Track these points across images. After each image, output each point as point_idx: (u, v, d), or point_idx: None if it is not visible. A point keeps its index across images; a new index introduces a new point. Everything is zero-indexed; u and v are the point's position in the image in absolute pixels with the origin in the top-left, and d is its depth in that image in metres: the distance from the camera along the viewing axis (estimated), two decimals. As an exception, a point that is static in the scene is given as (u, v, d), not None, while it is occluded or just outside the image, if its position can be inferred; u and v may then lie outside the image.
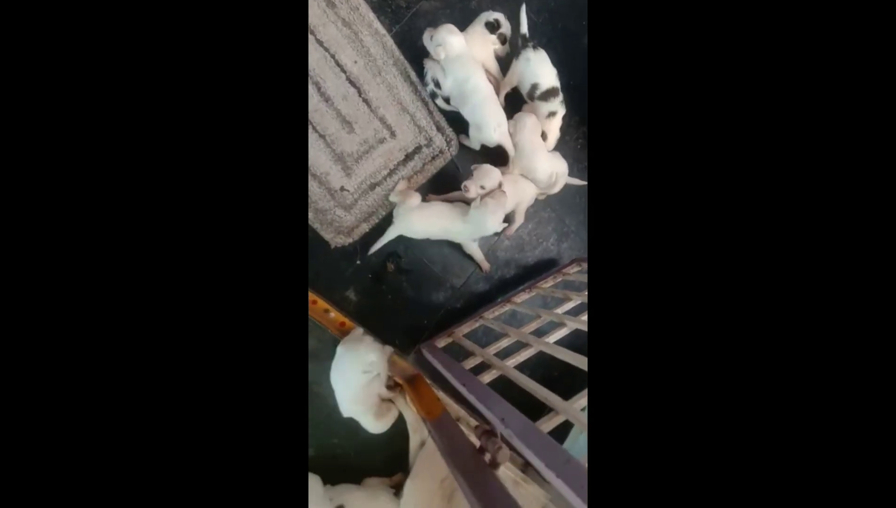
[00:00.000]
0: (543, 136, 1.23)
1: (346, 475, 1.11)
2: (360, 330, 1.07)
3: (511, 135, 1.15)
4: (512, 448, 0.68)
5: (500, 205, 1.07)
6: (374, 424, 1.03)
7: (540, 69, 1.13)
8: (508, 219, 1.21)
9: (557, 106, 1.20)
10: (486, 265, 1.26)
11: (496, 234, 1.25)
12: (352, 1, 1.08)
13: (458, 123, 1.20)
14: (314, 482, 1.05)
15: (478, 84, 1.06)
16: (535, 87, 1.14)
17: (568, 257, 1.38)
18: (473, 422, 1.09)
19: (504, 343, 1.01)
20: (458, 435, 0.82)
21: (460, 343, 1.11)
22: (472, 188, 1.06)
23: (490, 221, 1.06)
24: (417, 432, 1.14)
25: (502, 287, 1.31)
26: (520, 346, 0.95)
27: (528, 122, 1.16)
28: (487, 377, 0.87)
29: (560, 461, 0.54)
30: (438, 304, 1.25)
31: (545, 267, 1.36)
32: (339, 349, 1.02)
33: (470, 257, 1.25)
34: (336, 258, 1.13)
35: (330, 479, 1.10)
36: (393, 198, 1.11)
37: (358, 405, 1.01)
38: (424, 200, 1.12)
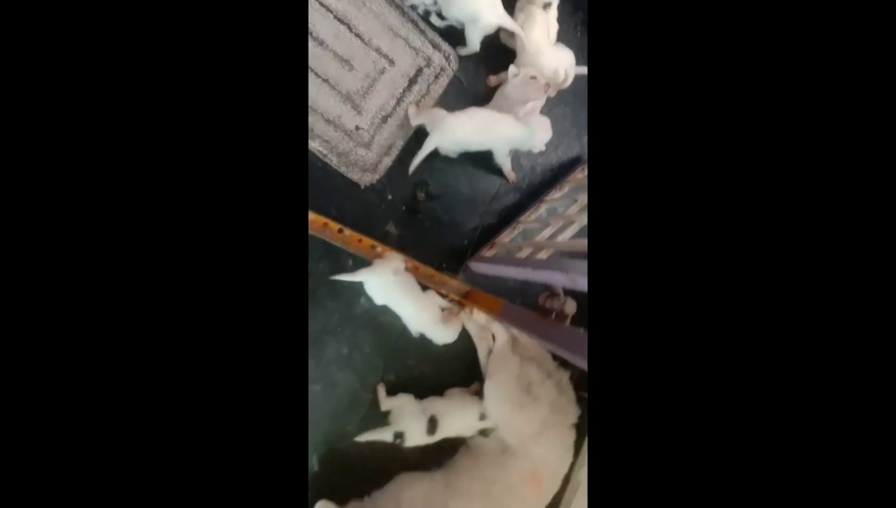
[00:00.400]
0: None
1: (429, 392, 1.19)
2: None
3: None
4: (578, 297, 0.72)
5: (549, 125, 1.10)
6: (444, 332, 1.09)
7: None
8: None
9: None
10: (512, 176, 1.27)
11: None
12: (319, -64, 1.06)
13: (452, 38, 1.18)
14: (408, 399, 1.14)
15: None
16: None
17: (591, 149, 1.36)
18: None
19: (548, 232, 1.03)
20: (525, 313, 0.87)
21: (504, 247, 1.14)
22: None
23: (540, 136, 1.08)
24: (483, 340, 1.20)
25: (532, 194, 1.32)
26: (565, 227, 0.97)
27: (539, 17, 1.14)
28: (541, 255, 0.90)
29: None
30: (474, 223, 1.28)
31: (571, 165, 1.34)
32: (368, 281, 1.07)
33: (495, 172, 1.26)
34: (369, 197, 1.17)
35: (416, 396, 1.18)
36: (416, 121, 1.12)
37: (423, 314, 1.07)
38: None
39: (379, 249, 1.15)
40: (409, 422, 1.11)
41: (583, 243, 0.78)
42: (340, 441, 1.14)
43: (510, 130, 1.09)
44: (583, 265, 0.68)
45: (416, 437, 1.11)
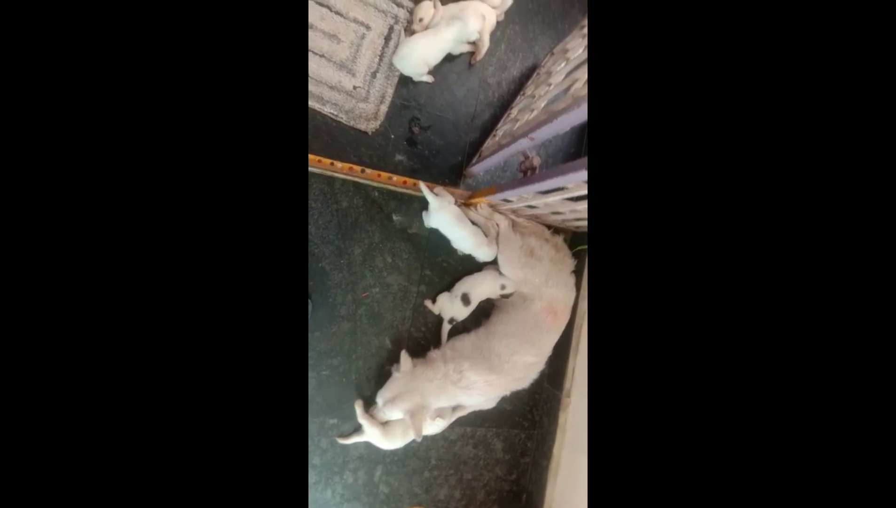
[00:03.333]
0: None
1: (457, 275, 1.56)
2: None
3: None
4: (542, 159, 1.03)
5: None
6: (487, 252, 1.43)
7: None
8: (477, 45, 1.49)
9: None
10: (479, 56, 1.54)
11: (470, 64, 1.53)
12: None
13: (408, -7, 1.45)
14: (444, 295, 1.50)
15: None
16: None
17: (544, 53, 1.62)
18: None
19: (516, 125, 1.33)
20: (512, 181, 1.19)
21: (487, 150, 1.45)
22: None
23: (471, 23, 1.37)
24: (490, 228, 1.53)
25: (503, 106, 1.61)
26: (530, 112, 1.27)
27: None
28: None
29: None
30: (462, 142, 1.59)
31: (530, 72, 1.61)
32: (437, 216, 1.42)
33: (471, 96, 1.56)
34: (377, 140, 1.49)
35: (449, 287, 1.55)
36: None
37: (474, 239, 1.41)
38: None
39: (395, 178, 1.49)
40: (452, 309, 1.49)
41: (537, 116, 1.09)
42: (402, 324, 1.53)
43: (448, 32, 1.40)
44: (538, 130, 0.99)
45: (461, 314, 1.50)
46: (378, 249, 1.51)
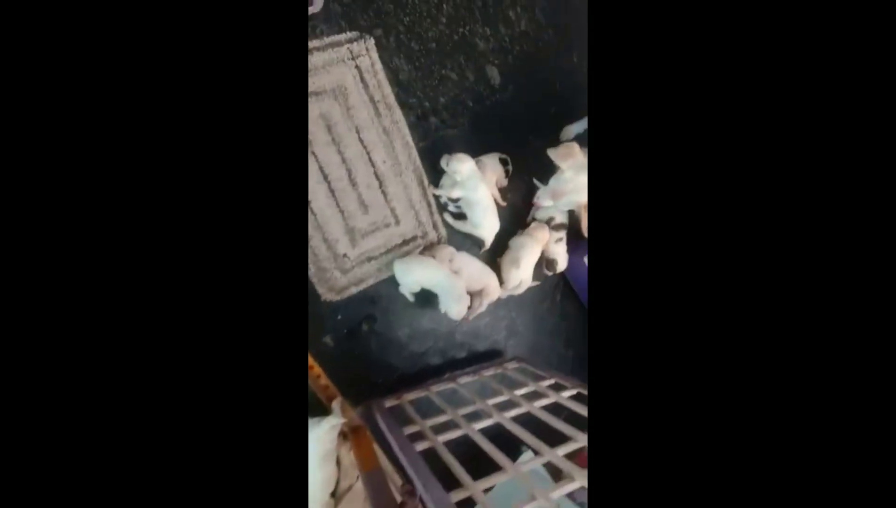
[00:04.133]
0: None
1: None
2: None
3: (515, 248, 1.51)
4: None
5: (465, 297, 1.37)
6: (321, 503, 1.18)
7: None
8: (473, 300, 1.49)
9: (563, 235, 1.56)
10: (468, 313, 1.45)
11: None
12: (394, 115, 1.38)
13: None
14: None
15: (483, 195, 1.38)
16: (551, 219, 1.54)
17: (512, 351, 1.64)
18: (398, 480, 1.26)
19: (440, 419, 1.22)
20: (384, 490, 1.00)
21: (404, 408, 1.31)
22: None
23: (454, 305, 1.34)
24: (347, 478, 1.29)
25: (452, 365, 1.54)
26: (452, 425, 1.16)
27: (534, 252, 1.51)
28: (420, 446, 1.07)
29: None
30: (395, 367, 1.45)
31: (491, 356, 1.60)
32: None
33: (432, 336, 1.49)
34: (322, 310, 1.33)
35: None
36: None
37: (322, 487, 1.17)
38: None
39: (315, 369, 1.28)
40: None
41: (451, 460, 0.97)
42: None
43: (442, 276, 1.35)
44: (437, 487, 0.86)
45: None
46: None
